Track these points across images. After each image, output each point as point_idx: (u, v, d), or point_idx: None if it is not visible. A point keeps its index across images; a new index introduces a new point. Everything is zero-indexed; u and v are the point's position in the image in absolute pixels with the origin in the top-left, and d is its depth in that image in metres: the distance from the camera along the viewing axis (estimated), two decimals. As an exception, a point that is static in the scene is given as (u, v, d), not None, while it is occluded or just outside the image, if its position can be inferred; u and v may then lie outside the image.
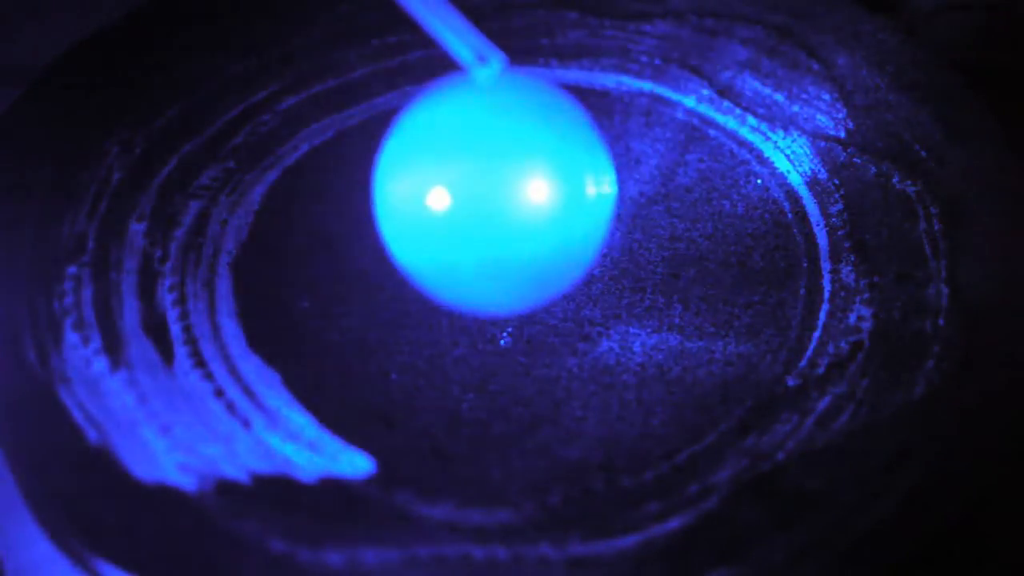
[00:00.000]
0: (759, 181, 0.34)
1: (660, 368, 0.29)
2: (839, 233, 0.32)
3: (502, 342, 0.30)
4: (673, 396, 0.29)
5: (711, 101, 0.36)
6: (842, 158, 0.33)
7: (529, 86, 0.27)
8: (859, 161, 0.33)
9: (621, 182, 0.34)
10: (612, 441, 0.28)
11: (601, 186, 0.27)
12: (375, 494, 0.26)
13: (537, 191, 0.26)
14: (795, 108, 0.35)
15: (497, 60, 0.26)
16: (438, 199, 0.25)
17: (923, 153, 0.33)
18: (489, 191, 0.26)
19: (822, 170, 0.33)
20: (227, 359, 0.29)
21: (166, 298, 0.30)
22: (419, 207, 0.26)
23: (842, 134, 0.34)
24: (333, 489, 0.26)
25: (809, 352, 0.29)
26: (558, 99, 0.27)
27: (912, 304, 0.30)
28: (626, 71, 0.37)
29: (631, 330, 0.30)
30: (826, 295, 0.30)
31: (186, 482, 0.26)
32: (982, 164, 0.32)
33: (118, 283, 0.30)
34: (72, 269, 0.30)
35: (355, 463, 0.27)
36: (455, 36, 0.26)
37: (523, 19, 0.38)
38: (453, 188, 0.25)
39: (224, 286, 0.31)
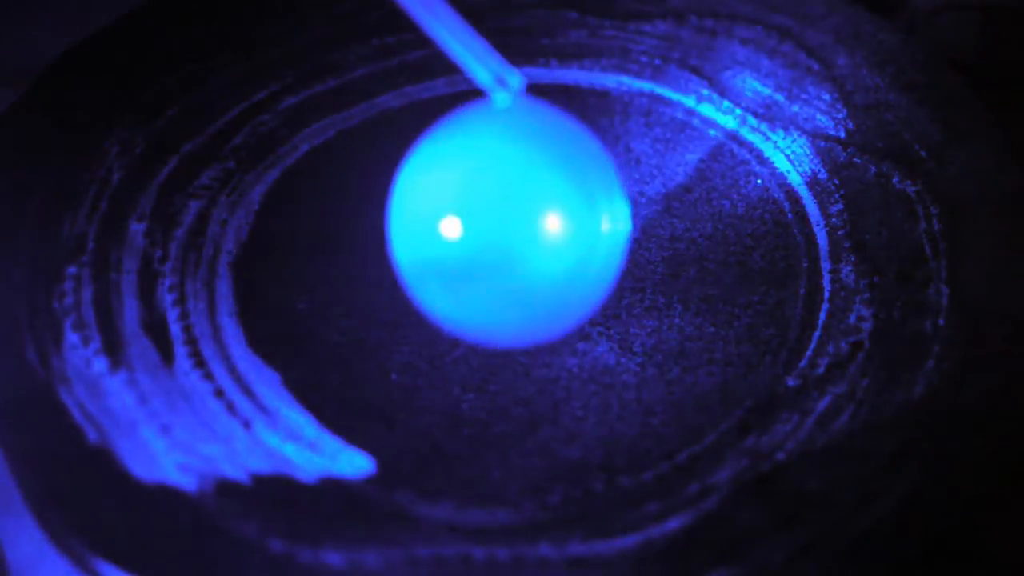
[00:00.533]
0: (759, 181, 0.34)
1: (660, 368, 0.29)
2: (839, 233, 0.32)
3: (502, 342, 0.30)
4: (673, 396, 0.29)
5: (711, 101, 0.36)
6: (842, 158, 0.33)
7: (547, 118, 0.27)
8: (859, 161, 0.33)
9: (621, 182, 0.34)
10: (612, 441, 0.28)
11: (616, 223, 0.26)
12: (375, 494, 0.26)
13: (551, 226, 0.25)
14: (795, 108, 0.35)
15: (517, 83, 0.26)
16: (451, 229, 0.25)
17: (923, 153, 0.33)
18: (503, 224, 0.25)
19: (822, 170, 0.33)
20: (227, 359, 0.29)
21: (166, 298, 0.30)
22: (433, 236, 0.25)
23: (842, 134, 0.34)
24: (333, 489, 0.26)
25: (809, 352, 0.29)
26: (576, 131, 0.27)
27: (912, 304, 0.30)
28: (626, 71, 0.37)
29: (631, 330, 0.30)
30: (826, 295, 0.30)
31: (186, 482, 0.26)
32: (982, 164, 0.32)
33: (118, 283, 0.30)
34: (72, 269, 0.30)
35: (355, 463, 0.27)
36: (475, 59, 0.26)
37: (523, 19, 0.38)
38: (467, 219, 0.25)
39: (224, 286, 0.31)
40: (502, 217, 0.25)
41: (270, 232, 0.32)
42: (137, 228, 0.32)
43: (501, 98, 0.26)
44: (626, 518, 0.26)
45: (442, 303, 0.27)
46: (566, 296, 0.26)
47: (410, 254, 0.26)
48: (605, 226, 0.26)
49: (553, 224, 0.25)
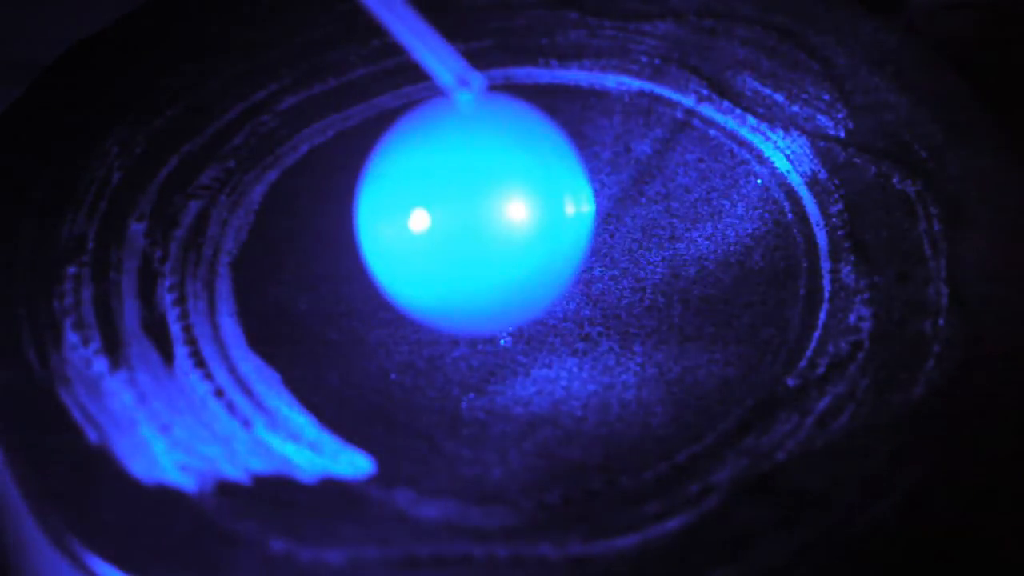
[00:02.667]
0: (759, 181, 0.34)
1: (660, 368, 0.29)
2: (839, 233, 0.32)
3: (502, 342, 0.30)
4: (673, 396, 0.29)
5: (711, 101, 0.36)
6: (842, 158, 0.33)
7: (508, 109, 0.27)
8: (859, 161, 0.33)
9: (621, 182, 0.34)
10: (612, 441, 0.28)
11: (580, 206, 0.27)
12: (375, 494, 0.26)
13: (517, 213, 0.26)
14: (795, 108, 0.35)
15: (478, 83, 0.26)
16: (419, 222, 0.26)
17: (923, 153, 0.33)
18: (469, 213, 0.26)
19: (822, 170, 0.33)
20: (227, 359, 0.29)
21: (166, 298, 0.30)
22: (400, 230, 0.26)
23: (842, 134, 0.34)
24: (333, 489, 0.26)
25: (809, 352, 0.29)
26: (536, 122, 0.27)
27: (912, 304, 0.30)
28: (626, 71, 0.37)
29: (631, 330, 0.30)
30: (826, 295, 0.30)
31: (186, 482, 0.26)
32: (982, 164, 0.32)
33: (118, 283, 0.30)
34: (72, 269, 0.30)
35: (355, 463, 0.27)
36: (437, 59, 0.26)
37: (523, 19, 0.38)
38: (433, 211, 0.26)
39: (224, 286, 0.31)
40: (467, 205, 0.26)
41: (270, 232, 0.32)
42: (137, 228, 0.32)
43: (463, 98, 0.26)
44: (626, 518, 0.26)
45: (413, 294, 0.27)
46: (536, 278, 0.27)
47: (379, 249, 0.27)
48: (570, 208, 0.27)
49: (517, 210, 0.26)
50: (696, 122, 0.35)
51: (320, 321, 0.30)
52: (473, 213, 0.26)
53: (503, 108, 0.27)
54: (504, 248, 0.26)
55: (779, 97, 0.35)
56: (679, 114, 0.36)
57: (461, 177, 0.26)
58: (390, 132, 0.27)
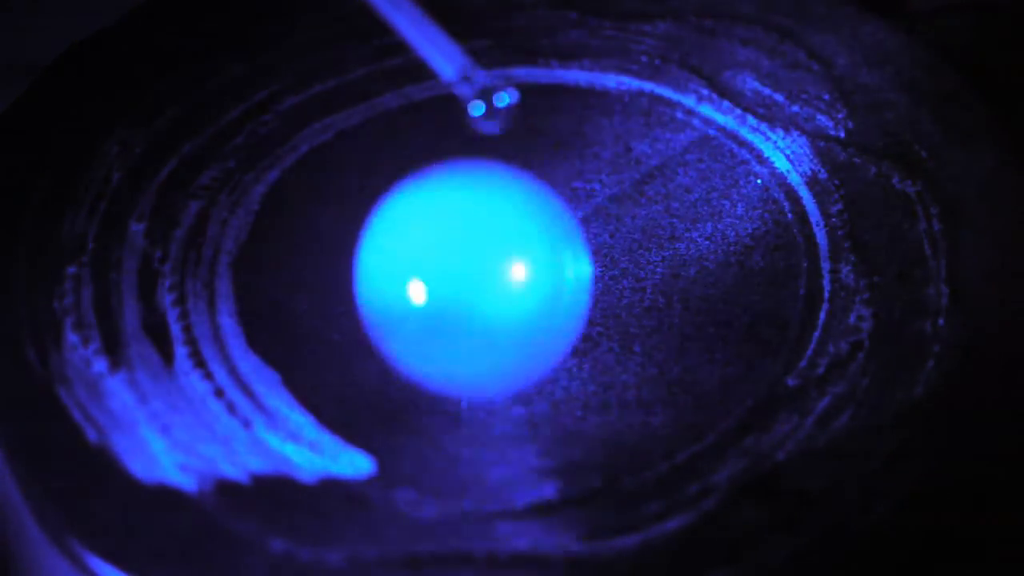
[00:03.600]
0: (759, 181, 0.34)
1: (660, 368, 0.29)
2: (839, 233, 0.32)
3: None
4: (673, 396, 0.29)
5: (711, 101, 0.36)
6: (842, 158, 0.33)
7: (503, 180, 0.28)
8: (859, 161, 0.33)
9: (621, 182, 0.34)
10: (612, 441, 0.28)
11: (576, 274, 0.27)
12: (375, 494, 0.26)
13: (515, 282, 0.26)
14: (795, 108, 0.35)
15: (479, 78, 0.26)
16: (417, 293, 0.26)
17: (923, 153, 0.33)
18: (467, 284, 0.26)
19: (822, 170, 0.33)
20: (227, 359, 0.29)
21: (166, 298, 0.30)
22: (400, 301, 0.26)
23: (842, 134, 0.34)
24: (333, 489, 0.26)
25: (809, 352, 0.29)
26: (532, 191, 0.28)
27: (912, 304, 0.30)
28: (626, 71, 0.37)
29: (631, 330, 0.30)
30: (826, 295, 0.30)
31: (186, 482, 0.26)
32: (982, 164, 0.32)
33: (118, 283, 0.30)
34: (72, 269, 0.30)
35: (355, 463, 0.27)
36: (439, 53, 0.26)
37: (523, 19, 0.38)
38: (432, 282, 0.26)
39: (224, 286, 0.31)
40: (467, 278, 0.26)
41: (270, 232, 0.32)
42: (137, 228, 0.32)
43: (464, 91, 0.27)
44: (626, 518, 0.26)
45: (415, 360, 0.27)
46: (537, 345, 0.27)
47: (382, 318, 0.27)
48: (566, 277, 0.27)
49: (518, 279, 0.26)
50: (696, 122, 0.35)
51: (320, 321, 0.30)
52: (469, 287, 0.26)
53: (498, 179, 0.28)
54: (501, 321, 0.26)
55: (779, 97, 0.35)
56: (679, 114, 0.36)
57: (457, 250, 0.26)
58: (386, 201, 0.27)
